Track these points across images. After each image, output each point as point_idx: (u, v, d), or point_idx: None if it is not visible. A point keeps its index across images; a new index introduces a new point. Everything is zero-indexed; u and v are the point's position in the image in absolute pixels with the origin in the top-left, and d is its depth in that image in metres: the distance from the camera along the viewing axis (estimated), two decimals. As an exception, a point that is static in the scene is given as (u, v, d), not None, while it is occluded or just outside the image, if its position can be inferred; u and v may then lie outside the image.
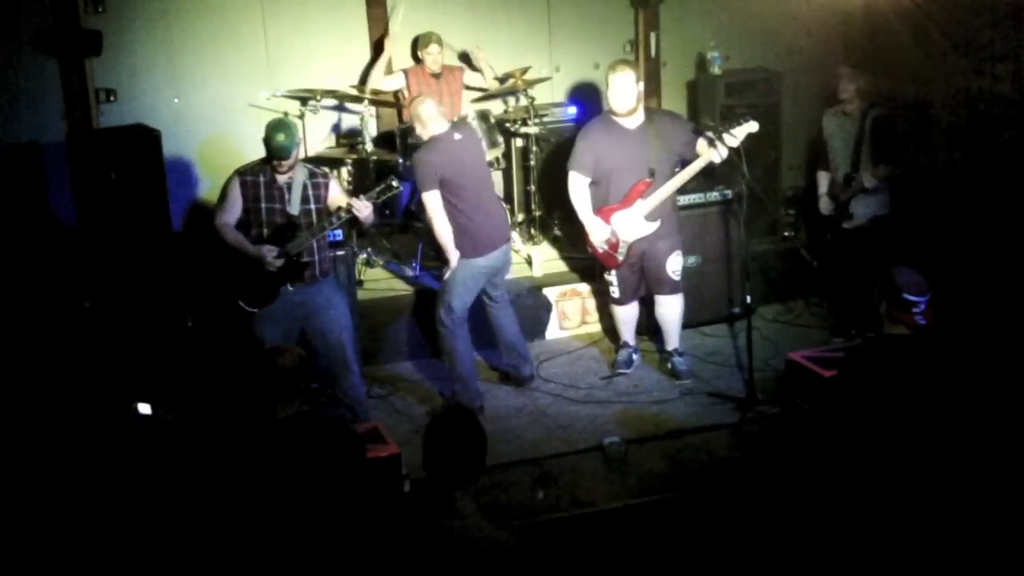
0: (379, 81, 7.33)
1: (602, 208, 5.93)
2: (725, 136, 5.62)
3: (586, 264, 7.00)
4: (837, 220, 6.43)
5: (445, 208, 5.68)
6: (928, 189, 7.08)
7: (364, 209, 5.20)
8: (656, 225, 5.90)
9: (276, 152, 5.15)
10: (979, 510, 3.78)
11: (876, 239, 6.32)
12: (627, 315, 6.28)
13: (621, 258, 5.98)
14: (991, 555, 3.78)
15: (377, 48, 7.54)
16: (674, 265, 6.05)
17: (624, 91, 5.76)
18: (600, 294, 6.71)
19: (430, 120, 5.73)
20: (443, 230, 5.70)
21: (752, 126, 5.66)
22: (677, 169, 5.91)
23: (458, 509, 3.09)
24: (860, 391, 3.85)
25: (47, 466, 4.80)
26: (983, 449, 3.85)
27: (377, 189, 5.30)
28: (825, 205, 6.48)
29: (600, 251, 6.01)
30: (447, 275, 5.83)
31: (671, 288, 6.10)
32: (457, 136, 5.79)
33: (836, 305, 6.79)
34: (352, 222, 5.44)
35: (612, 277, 6.11)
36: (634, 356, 6.40)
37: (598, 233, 5.94)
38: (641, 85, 5.84)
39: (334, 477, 3.71)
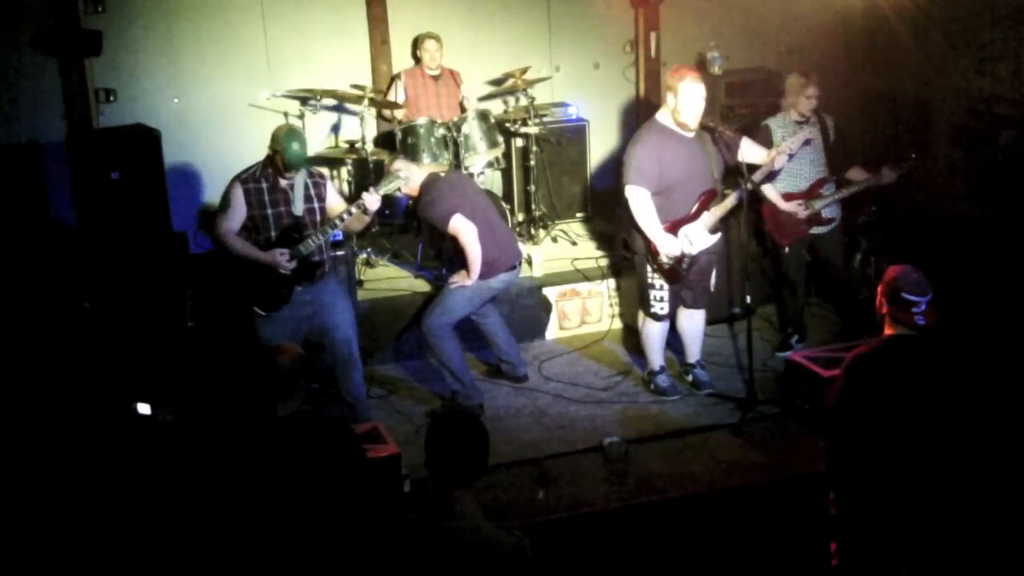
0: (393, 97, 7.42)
1: (668, 222, 5.63)
2: (784, 144, 5.62)
3: (590, 264, 7.03)
4: (808, 227, 6.27)
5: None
6: (927, 189, 7.09)
7: (374, 203, 5.25)
8: (718, 237, 5.76)
9: (292, 163, 5.12)
10: (981, 510, 3.78)
11: (849, 236, 6.36)
12: (664, 331, 5.97)
13: (685, 272, 5.72)
14: (996, 552, 3.78)
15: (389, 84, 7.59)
16: (715, 277, 5.99)
17: (701, 102, 5.47)
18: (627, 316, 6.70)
19: (415, 171, 5.81)
20: (477, 253, 5.66)
21: (811, 133, 5.74)
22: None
23: (459, 509, 3.09)
24: (861, 391, 3.85)
25: (47, 465, 4.80)
26: (984, 449, 3.85)
27: (384, 182, 5.35)
28: (802, 212, 6.21)
29: (667, 267, 5.69)
30: (454, 288, 5.79)
31: (705, 301, 6.01)
32: (449, 174, 5.99)
33: (785, 318, 6.71)
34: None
35: (663, 292, 5.78)
36: (672, 378, 6.15)
37: (671, 248, 5.60)
38: None
39: (334, 476, 3.71)
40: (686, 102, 5.45)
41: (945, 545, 3.68)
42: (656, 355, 6.04)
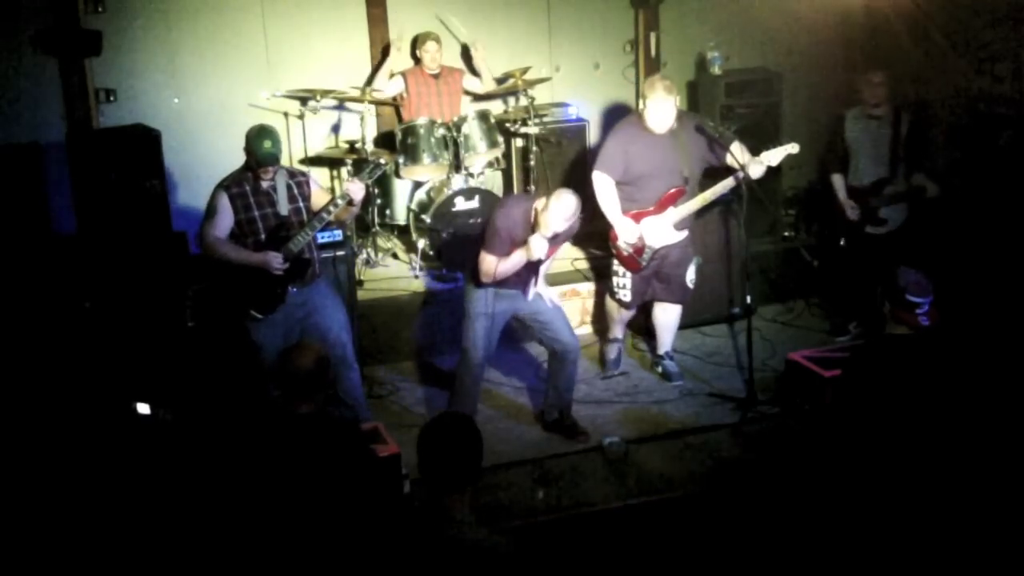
0: (382, 85, 7.34)
1: (632, 212, 5.81)
2: (764, 155, 5.63)
3: (592, 264, 7.02)
4: (862, 225, 6.33)
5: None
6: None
7: (358, 192, 5.19)
8: (684, 234, 5.86)
9: (264, 160, 5.07)
10: (980, 510, 3.78)
11: (905, 242, 6.30)
12: (628, 315, 6.23)
13: (644, 263, 5.89)
14: (994, 553, 3.78)
15: (383, 52, 7.54)
16: (692, 274, 6.03)
17: (665, 116, 5.64)
18: (600, 294, 6.70)
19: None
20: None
21: (793, 147, 5.67)
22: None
23: (454, 514, 3.07)
24: (862, 391, 3.85)
25: (47, 465, 4.80)
26: (983, 450, 3.86)
27: (367, 170, 5.33)
28: (852, 210, 6.32)
29: (624, 253, 5.90)
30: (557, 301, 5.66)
31: (681, 296, 6.08)
32: None
33: (841, 307, 6.75)
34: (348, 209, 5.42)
35: (626, 280, 5.98)
36: (621, 351, 6.40)
37: (628, 233, 5.81)
38: (678, 99, 5.71)
39: (345, 477, 3.71)
40: (652, 114, 5.64)
41: (942, 544, 3.68)
42: (614, 326, 6.28)
